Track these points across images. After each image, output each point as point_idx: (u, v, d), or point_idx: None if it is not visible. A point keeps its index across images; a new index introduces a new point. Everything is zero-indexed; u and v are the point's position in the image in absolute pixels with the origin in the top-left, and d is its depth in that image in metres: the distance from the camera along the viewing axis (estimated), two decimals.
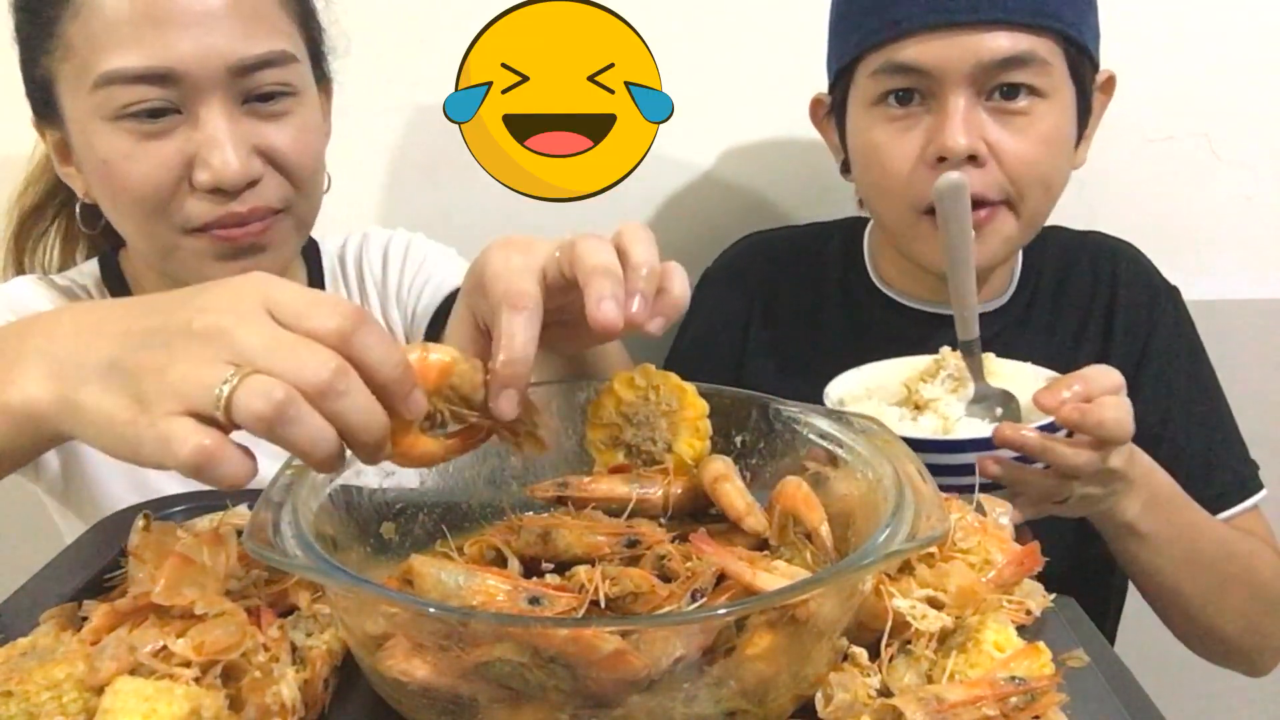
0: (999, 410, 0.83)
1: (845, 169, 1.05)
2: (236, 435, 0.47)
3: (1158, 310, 1.05)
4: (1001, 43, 0.88)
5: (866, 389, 0.88)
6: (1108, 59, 1.19)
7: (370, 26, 1.21)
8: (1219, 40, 1.21)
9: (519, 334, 0.55)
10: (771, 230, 1.20)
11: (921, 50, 0.89)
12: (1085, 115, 0.96)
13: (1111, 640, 1.10)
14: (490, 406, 0.55)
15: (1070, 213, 1.12)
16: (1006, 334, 1.03)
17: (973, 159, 0.90)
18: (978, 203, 0.91)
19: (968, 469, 0.75)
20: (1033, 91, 0.90)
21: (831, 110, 1.04)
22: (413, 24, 1.22)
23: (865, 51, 0.94)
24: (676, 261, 0.60)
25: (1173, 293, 1.07)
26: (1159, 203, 1.25)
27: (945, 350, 0.88)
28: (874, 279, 1.09)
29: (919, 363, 0.89)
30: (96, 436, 0.49)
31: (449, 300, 1.03)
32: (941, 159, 0.90)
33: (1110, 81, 0.99)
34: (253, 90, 0.83)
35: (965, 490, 0.69)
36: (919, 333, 1.04)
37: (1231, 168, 1.25)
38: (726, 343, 1.13)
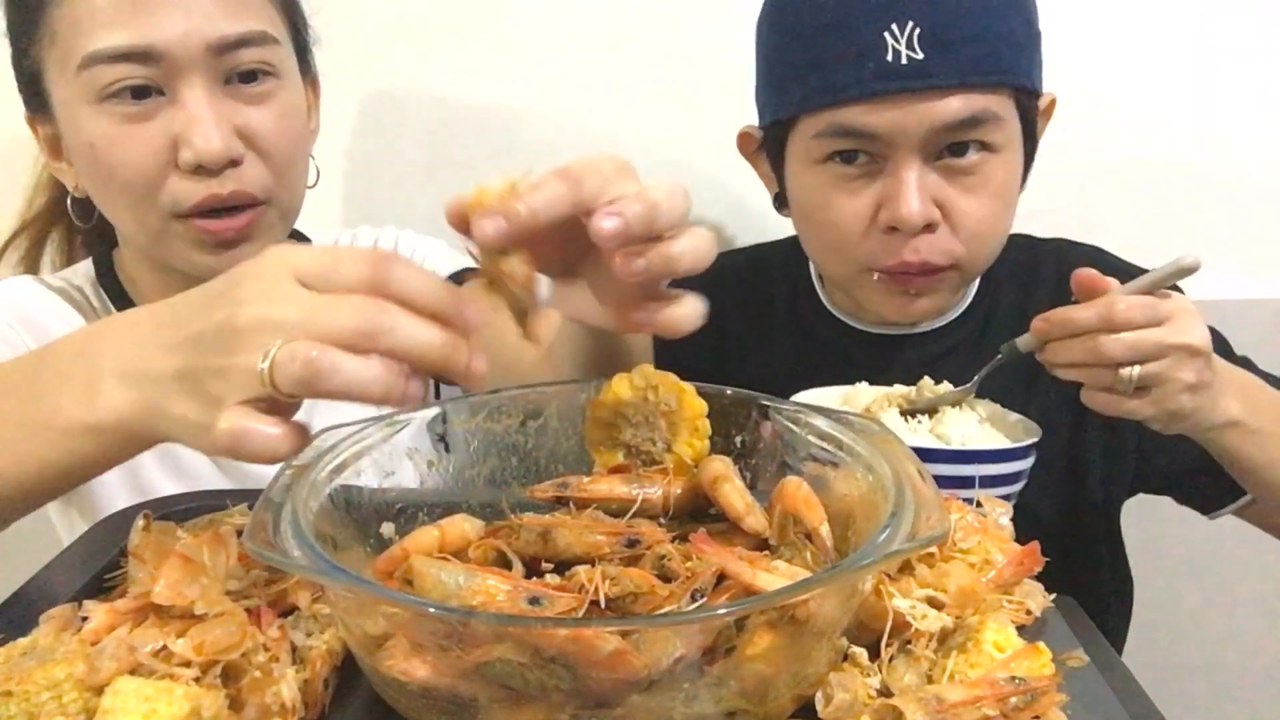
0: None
1: (779, 203, 1.00)
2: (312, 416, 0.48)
3: None
4: (956, 106, 0.83)
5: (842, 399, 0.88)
6: (1108, 59, 1.20)
7: (371, 19, 1.22)
8: (1220, 40, 1.21)
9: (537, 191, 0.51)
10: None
11: (870, 116, 0.84)
12: (1031, 152, 0.92)
13: (1121, 641, 1.09)
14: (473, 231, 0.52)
15: (1070, 214, 1.12)
16: (969, 342, 1.00)
17: (927, 227, 0.87)
18: (925, 270, 0.89)
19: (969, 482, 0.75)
20: (982, 146, 0.87)
21: (763, 148, 0.98)
22: (413, 17, 1.22)
23: (805, 112, 0.89)
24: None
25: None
26: (1159, 204, 1.25)
27: (925, 382, 0.86)
28: (824, 301, 1.05)
29: (891, 390, 0.87)
30: (190, 440, 0.53)
31: None
32: (894, 228, 0.87)
33: (1051, 105, 0.94)
34: (234, 69, 0.84)
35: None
36: (872, 354, 1.01)
37: (1231, 168, 1.25)
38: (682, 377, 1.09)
